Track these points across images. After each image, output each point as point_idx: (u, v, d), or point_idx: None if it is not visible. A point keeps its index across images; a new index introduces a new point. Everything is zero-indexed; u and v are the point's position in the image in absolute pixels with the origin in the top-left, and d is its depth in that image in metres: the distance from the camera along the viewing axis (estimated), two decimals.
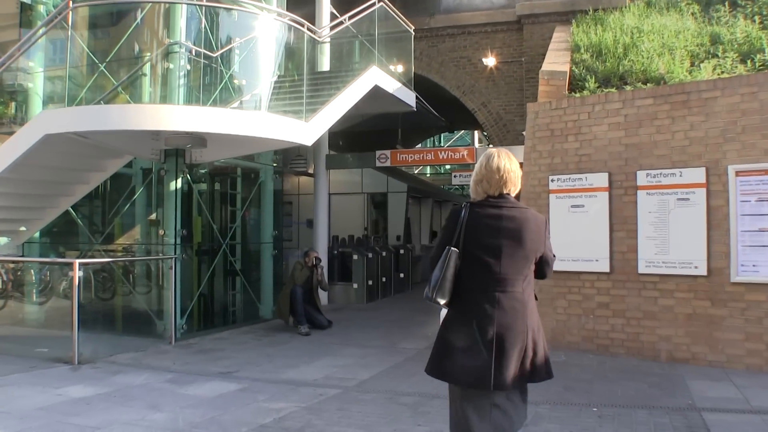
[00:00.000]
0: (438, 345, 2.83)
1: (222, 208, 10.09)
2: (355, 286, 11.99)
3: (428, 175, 27.31)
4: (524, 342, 2.72)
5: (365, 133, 15.82)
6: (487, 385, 2.67)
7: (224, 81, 8.46)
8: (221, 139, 8.00)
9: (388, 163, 11.75)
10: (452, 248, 2.75)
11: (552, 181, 7.38)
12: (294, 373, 6.34)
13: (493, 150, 2.86)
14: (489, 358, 2.67)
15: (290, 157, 14.69)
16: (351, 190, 15.49)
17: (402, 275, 14.17)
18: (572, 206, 7.23)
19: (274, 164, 10.43)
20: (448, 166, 19.54)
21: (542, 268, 2.88)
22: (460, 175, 13.98)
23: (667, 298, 6.61)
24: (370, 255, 12.35)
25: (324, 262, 11.04)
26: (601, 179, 7.06)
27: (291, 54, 9.23)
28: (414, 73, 12.16)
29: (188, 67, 8.32)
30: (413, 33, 11.98)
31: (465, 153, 11.11)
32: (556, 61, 8.84)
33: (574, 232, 7.14)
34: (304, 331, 8.65)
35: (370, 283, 12.25)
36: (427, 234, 17.67)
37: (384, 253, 13.07)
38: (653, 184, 6.75)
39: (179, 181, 8.37)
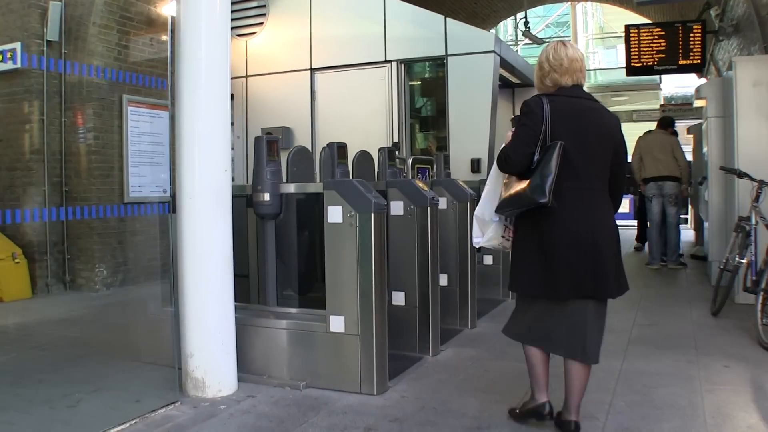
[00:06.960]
0: (523, 259, 2.50)
1: None
2: (340, 325, 3.05)
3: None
4: (614, 247, 2.46)
5: None
6: (593, 292, 2.42)
7: None
8: None
9: None
10: (560, 142, 2.42)
11: None
12: None
13: (553, 42, 2.61)
14: (588, 263, 2.40)
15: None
16: (359, 59, 6.62)
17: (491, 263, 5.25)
18: None
19: None
20: None
21: (615, 179, 2.54)
22: None
23: None
24: (388, 205, 3.46)
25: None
26: None
27: None
28: None
29: None
30: None
31: None
32: None
33: None
34: None
35: (404, 302, 3.38)
36: None
37: (438, 201, 4.13)
38: None
39: None
